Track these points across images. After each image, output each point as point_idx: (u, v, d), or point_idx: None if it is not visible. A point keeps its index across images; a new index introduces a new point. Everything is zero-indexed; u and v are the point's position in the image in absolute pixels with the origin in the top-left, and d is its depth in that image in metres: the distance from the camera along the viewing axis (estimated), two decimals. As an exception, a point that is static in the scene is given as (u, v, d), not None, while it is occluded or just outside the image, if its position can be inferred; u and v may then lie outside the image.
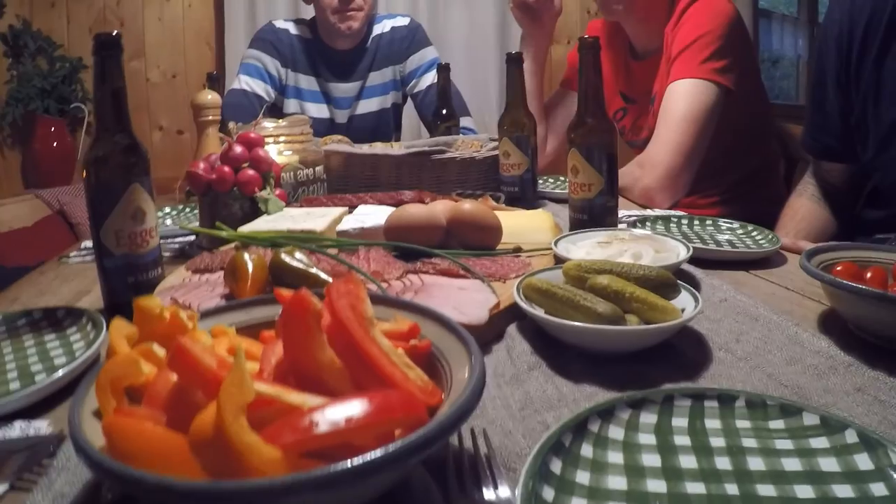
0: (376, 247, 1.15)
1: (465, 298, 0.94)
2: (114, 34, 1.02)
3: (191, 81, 4.09)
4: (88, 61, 3.85)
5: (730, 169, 2.04)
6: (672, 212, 1.67)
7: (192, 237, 1.61)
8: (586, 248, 1.15)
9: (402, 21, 2.70)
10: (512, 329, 0.95)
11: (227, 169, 1.39)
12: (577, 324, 0.81)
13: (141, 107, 4.07)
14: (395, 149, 1.93)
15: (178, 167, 4.16)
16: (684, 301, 0.89)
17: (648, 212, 1.69)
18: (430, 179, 1.83)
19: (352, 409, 0.48)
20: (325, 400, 0.51)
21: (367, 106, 2.68)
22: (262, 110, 2.26)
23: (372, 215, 1.31)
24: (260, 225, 1.31)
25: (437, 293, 0.96)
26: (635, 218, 1.49)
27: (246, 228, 1.29)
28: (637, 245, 1.11)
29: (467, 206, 1.20)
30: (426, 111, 2.63)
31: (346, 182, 1.84)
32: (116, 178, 1.04)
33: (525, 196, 1.73)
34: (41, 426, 0.77)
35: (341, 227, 1.25)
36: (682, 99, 1.82)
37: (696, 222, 1.47)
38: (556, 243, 1.17)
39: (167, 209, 1.88)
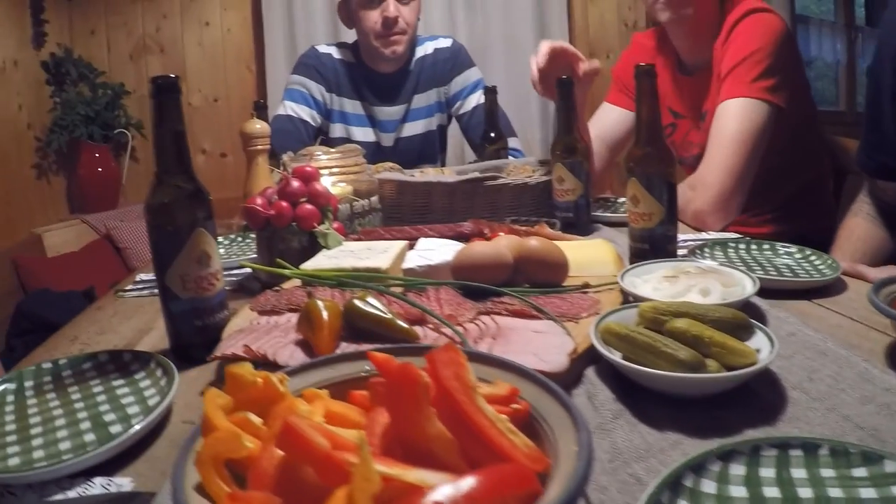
0: (445, 286, 1.13)
1: (542, 343, 0.92)
2: (172, 77, 1.02)
3: (232, 105, 4.12)
4: (130, 87, 3.96)
5: (781, 186, 2.00)
6: (727, 235, 1.65)
7: (246, 270, 1.60)
8: (653, 282, 1.13)
9: (445, 42, 2.68)
10: (589, 373, 0.93)
11: (285, 204, 1.38)
12: (661, 372, 0.80)
13: (184, 131, 4.09)
14: (447, 175, 1.91)
15: (222, 189, 4.16)
16: (759, 341, 0.88)
17: (704, 235, 1.67)
18: (483, 206, 1.80)
19: (470, 486, 0.47)
20: (442, 476, 0.49)
21: (413, 129, 2.66)
22: (315, 139, 2.26)
23: (436, 251, 1.29)
24: (322, 262, 1.29)
25: (515, 338, 0.94)
26: (693, 244, 1.47)
27: (309, 265, 1.28)
28: (704, 280, 1.08)
29: (533, 242, 1.18)
30: (472, 133, 2.61)
31: (399, 210, 1.82)
32: (181, 224, 1.03)
33: (579, 222, 1.69)
34: (123, 483, 0.76)
35: (407, 264, 1.23)
36: (733, 119, 1.78)
37: (754, 246, 1.44)
38: (622, 277, 1.15)
39: (218, 238, 1.87)
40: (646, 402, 0.83)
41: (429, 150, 2.72)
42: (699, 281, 1.08)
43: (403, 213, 1.83)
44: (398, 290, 1.16)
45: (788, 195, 2.05)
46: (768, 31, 1.83)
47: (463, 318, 1.02)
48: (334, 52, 2.60)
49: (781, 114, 1.79)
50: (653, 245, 1.32)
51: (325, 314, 0.92)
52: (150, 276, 1.60)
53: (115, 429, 0.85)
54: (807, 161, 2.05)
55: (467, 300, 1.09)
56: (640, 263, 1.23)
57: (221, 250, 1.75)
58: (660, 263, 1.22)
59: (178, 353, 1.09)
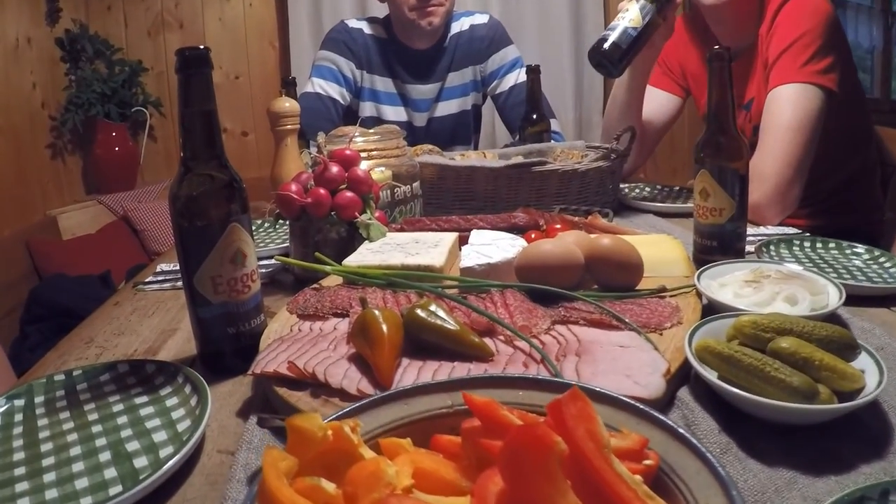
0: (510, 289, 1.00)
1: (632, 361, 0.80)
2: (200, 50, 0.88)
3: (254, 82, 3.99)
4: (148, 64, 3.82)
5: (828, 176, 1.88)
6: (788, 230, 1.57)
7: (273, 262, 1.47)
8: (733, 287, 1.04)
9: (482, 18, 2.53)
10: (683, 394, 0.82)
11: (323, 191, 1.24)
12: (776, 403, 0.71)
13: (204, 109, 3.97)
14: (490, 159, 1.77)
15: (244, 170, 3.99)
16: (863, 361, 0.80)
17: (763, 230, 1.58)
18: (529, 192, 1.67)
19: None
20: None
21: (447, 108, 2.51)
22: (344, 118, 2.12)
23: (493, 246, 1.15)
24: (366, 257, 1.16)
25: (600, 355, 0.82)
26: (756, 240, 1.39)
27: (352, 261, 1.15)
28: (789, 286, 1.00)
29: (606, 241, 1.05)
30: (509, 113, 2.47)
31: (439, 195, 1.69)
32: (212, 219, 0.90)
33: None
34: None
35: (464, 262, 1.09)
36: (787, 106, 1.68)
37: (819, 245, 1.37)
38: (698, 280, 1.06)
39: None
40: (749, 430, 0.74)
41: (462, 130, 2.57)
42: (784, 287, 1.00)
43: (444, 198, 1.69)
44: (454, 291, 1.03)
45: (835, 186, 1.95)
46: (815, 13, 1.73)
47: (538, 329, 0.90)
48: (365, 28, 2.45)
49: (832, 98, 1.69)
50: (721, 242, 1.25)
51: (384, 327, 0.78)
52: (171, 266, 1.48)
53: (139, 462, 0.73)
54: (855, 149, 1.96)
55: (537, 306, 0.97)
56: (714, 264, 1.14)
57: None
58: (735, 264, 1.14)
59: (207, 361, 0.97)
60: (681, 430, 0.53)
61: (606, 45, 1.62)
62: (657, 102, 2.11)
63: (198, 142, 0.90)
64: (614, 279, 1.05)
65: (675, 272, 1.14)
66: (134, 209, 3.53)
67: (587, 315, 0.93)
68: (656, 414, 0.56)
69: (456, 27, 2.49)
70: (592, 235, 1.13)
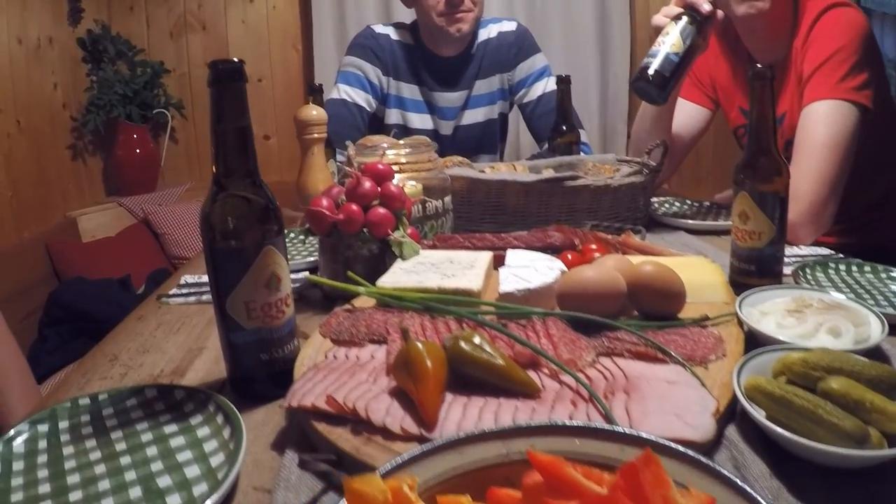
0: (552, 317, 0.96)
1: (680, 399, 0.78)
2: (235, 63, 0.85)
3: (277, 85, 3.95)
4: (170, 65, 3.80)
5: (860, 193, 1.84)
6: (821, 250, 1.54)
7: (305, 273, 1.44)
8: (776, 316, 1.01)
9: (510, 26, 2.48)
10: (730, 432, 0.79)
11: (355, 207, 1.21)
12: (830, 448, 0.69)
13: (225, 112, 3.94)
14: (521, 172, 1.74)
15: (266, 174, 3.95)
16: None
17: (796, 250, 1.54)
18: (560, 207, 1.64)
19: None
20: None
21: (473, 116, 2.48)
22: (370, 125, 2.09)
23: (531, 269, 1.11)
24: (400, 277, 1.13)
25: (648, 392, 0.79)
26: (794, 262, 1.38)
27: (386, 281, 1.11)
28: (832, 317, 0.97)
29: (648, 267, 1.02)
30: (537, 123, 2.43)
31: (468, 209, 1.66)
32: (247, 242, 0.86)
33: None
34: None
35: (504, 286, 1.05)
36: (822, 123, 1.63)
37: (854, 268, 1.35)
38: (740, 307, 1.03)
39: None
40: (796, 471, 0.72)
41: (488, 139, 2.53)
42: (827, 318, 0.97)
43: (473, 211, 1.66)
44: (492, 317, 1.00)
45: (867, 203, 1.91)
46: (851, 27, 1.69)
47: (583, 363, 0.86)
48: (392, 33, 2.41)
49: (867, 114, 1.65)
50: (760, 266, 1.23)
51: (428, 363, 0.75)
52: (196, 278, 1.45)
53: (172, 500, 0.70)
54: (888, 166, 1.91)
55: (580, 335, 0.94)
56: (754, 291, 1.11)
57: None
58: (775, 291, 1.12)
59: (238, 386, 0.94)
60: (746, 488, 0.52)
61: (650, 73, 1.57)
62: (686, 114, 2.06)
63: (231, 160, 0.87)
64: (656, 307, 1.02)
65: (715, 298, 1.11)
66: (154, 212, 3.51)
67: (632, 347, 0.90)
68: (720, 469, 0.54)
69: (483, 34, 2.45)
70: (634, 261, 1.09)
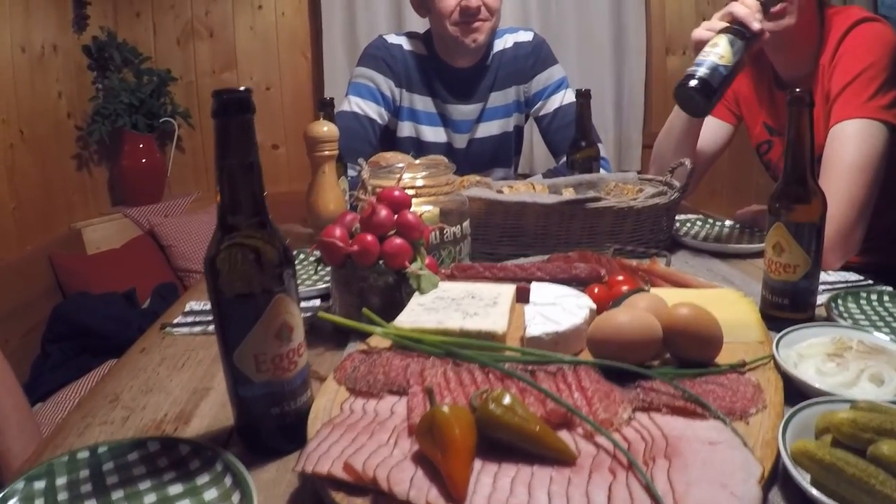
0: (584, 366, 0.89)
1: (724, 464, 0.72)
2: (241, 92, 0.77)
3: (286, 93, 3.89)
4: (177, 73, 3.74)
5: (884, 212, 1.76)
6: (850, 276, 1.47)
7: (316, 301, 1.38)
8: (815, 361, 0.97)
9: (526, 36, 2.41)
10: (774, 497, 0.75)
11: (370, 238, 1.15)
12: None
13: (233, 121, 3.87)
14: (541, 194, 1.68)
15: (275, 184, 4.00)
16: None
17: (825, 276, 1.46)
18: (581, 230, 1.58)
19: None
20: None
21: (488, 129, 2.41)
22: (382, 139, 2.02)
23: (558, 308, 1.05)
24: (420, 316, 1.06)
25: (691, 457, 0.73)
26: (825, 292, 1.30)
27: (404, 321, 1.05)
28: (874, 361, 0.93)
29: (684, 311, 0.95)
30: (553, 137, 2.36)
31: (486, 230, 1.59)
32: (256, 291, 0.79)
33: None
34: None
35: (531, 330, 0.99)
36: (851, 143, 1.58)
37: (886, 298, 1.29)
38: (777, 350, 0.98)
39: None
40: None
41: (503, 152, 2.47)
42: (868, 364, 0.93)
43: (491, 233, 1.60)
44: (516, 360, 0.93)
45: (889, 223, 1.84)
46: (880, 43, 1.64)
47: (619, 421, 0.80)
48: (404, 44, 2.34)
49: (895, 133, 1.60)
50: (793, 300, 1.17)
51: (456, 430, 0.68)
52: (202, 305, 1.39)
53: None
54: None
55: (614, 386, 0.87)
56: (789, 330, 1.06)
57: None
58: (812, 329, 1.07)
59: (247, 439, 0.87)
60: None
61: (696, 83, 1.50)
62: (709, 130, 2.00)
63: (238, 200, 0.80)
64: (693, 353, 0.95)
65: (750, 337, 1.05)
66: (160, 224, 3.45)
67: (670, 401, 0.84)
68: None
69: (499, 44, 2.38)
70: (666, 296, 1.03)
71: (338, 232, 1.16)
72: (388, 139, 2.37)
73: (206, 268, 0.80)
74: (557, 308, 1.04)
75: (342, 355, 1.10)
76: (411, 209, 1.22)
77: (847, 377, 0.92)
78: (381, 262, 1.15)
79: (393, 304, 1.15)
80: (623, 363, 0.90)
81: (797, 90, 1.11)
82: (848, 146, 1.57)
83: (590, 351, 0.95)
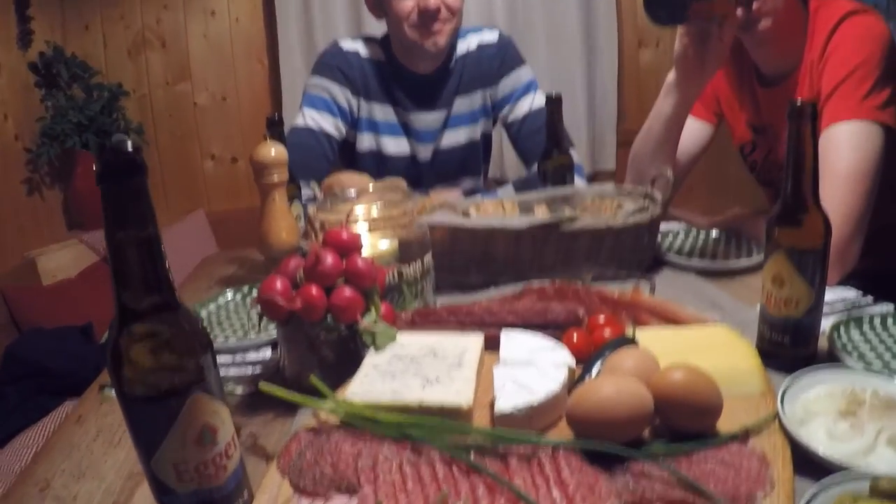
0: (564, 450, 0.77)
1: None
2: (128, 151, 0.64)
3: (243, 103, 3.73)
4: (129, 86, 3.57)
5: (877, 213, 1.65)
6: (847, 293, 1.35)
7: (266, 351, 1.25)
8: (825, 420, 0.86)
9: (491, 36, 2.26)
10: None
11: (315, 291, 1.01)
12: None
13: (190, 133, 3.72)
14: (510, 211, 1.55)
15: (232, 199, 3.91)
16: None
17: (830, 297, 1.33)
18: (555, 254, 1.45)
19: None
20: None
21: (454, 137, 2.26)
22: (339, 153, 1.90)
23: (532, 369, 0.92)
24: (374, 383, 0.93)
25: None
26: (825, 318, 1.15)
27: (357, 391, 0.92)
28: (891, 422, 0.84)
29: (678, 377, 0.82)
30: (524, 143, 2.22)
31: (452, 258, 1.46)
32: (166, 391, 0.66)
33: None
34: None
35: (501, 404, 0.86)
36: (846, 149, 1.47)
37: (891, 321, 1.19)
38: (783, 408, 0.87)
39: (228, 295, 1.52)
40: None
41: (471, 162, 2.33)
42: (885, 423, 0.84)
43: (457, 261, 1.47)
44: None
45: (880, 227, 1.70)
46: (872, 38, 1.53)
47: (609, 526, 0.67)
48: (361, 49, 2.19)
49: (891, 135, 1.50)
50: (794, 337, 1.06)
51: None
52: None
53: None
54: None
55: (598, 473, 0.76)
56: (794, 378, 0.95)
57: (229, 308, 1.43)
58: (818, 374, 0.96)
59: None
60: None
61: None
62: (689, 131, 1.85)
63: (136, 280, 0.66)
64: (688, 424, 0.84)
65: (750, 388, 0.94)
66: (115, 249, 3.30)
67: (664, 491, 0.72)
68: None
69: (462, 46, 2.23)
70: (659, 352, 0.92)
71: (279, 285, 1.03)
72: (347, 153, 2.23)
73: (108, 366, 0.67)
74: (531, 370, 0.92)
75: (292, 423, 1.00)
76: (364, 248, 1.09)
77: (863, 443, 0.82)
78: (329, 317, 1.02)
79: (348, 357, 1.04)
80: (609, 444, 0.77)
81: (799, 101, 0.98)
82: (842, 152, 1.47)
83: (570, 425, 0.82)
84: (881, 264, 1.68)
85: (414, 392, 0.89)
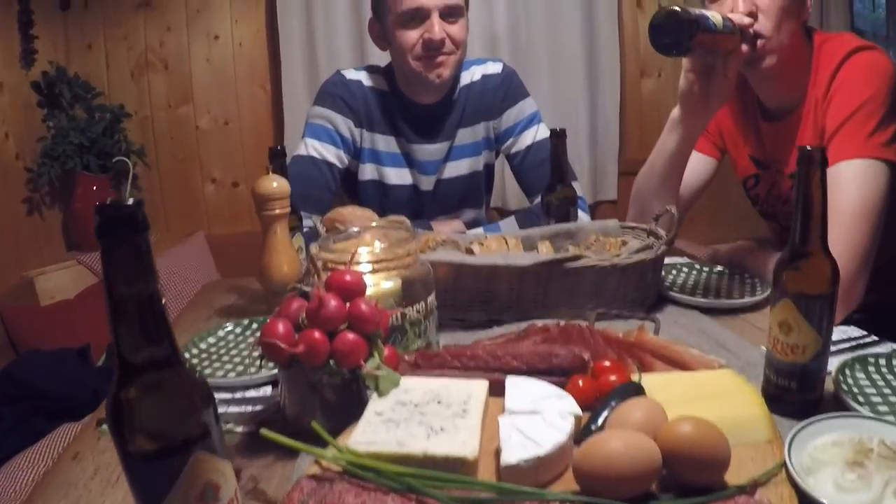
0: (570, 506, 0.76)
1: None
2: (130, 205, 0.62)
3: (245, 127, 3.73)
4: (131, 108, 3.57)
5: (882, 249, 1.65)
6: (851, 331, 1.35)
7: (267, 389, 1.24)
8: (832, 471, 0.85)
9: (494, 68, 2.26)
10: None
11: (318, 335, 1.00)
12: None
13: (192, 157, 3.73)
14: (513, 247, 1.55)
15: (233, 223, 3.90)
16: None
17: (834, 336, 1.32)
18: (559, 292, 1.45)
19: None
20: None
21: (457, 169, 2.26)
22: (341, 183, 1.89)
23: (538, 419, 0.91)
24: (377, 431, 0.92)
25: None
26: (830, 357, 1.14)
27: (359, 440, 0.90)
28: None
29: (687, 430, 0.81)
30: (526, 176, 2.22)
31: (455, 295, 1.45)
32: (168, 449, 0.65)
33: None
34: None
35: (507, 456, 0.85)
36: (852, 187, 1.48)
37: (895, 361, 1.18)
38: (790, 459, 0.86)
39: (228, 327, 1.51)
40: None
41: (473, 193, 2.32)
42: (893, 474, 0.83)
43: (460, 299, 1.46)
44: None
45: (886, 261, 1.70)
46: (878, 74, 1.54)
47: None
48: (364, 79, 2.18)
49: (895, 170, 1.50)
50: (801, 384, 1.04)
51: None
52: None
53: None
54: None
55: None
56: (800, 428, 0.93)
57: (228, 341, 1.42)
58: (825, 423, 0.95)
59: None
60: None
61: (681, 9, 1.39)
62: (691, 166, 1.85)
63: (137, 337, 0.65)
64: (695, 478, 0.82)
65: (756, 435, 0.93)
66: (115, 270, 3.29)
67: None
68: None
69: (466, 77, 2.23)
70: (666, 402, 0.91)
71: (281, 328, 1.01)
72: (349, 183, 2.23)
73: (108, 423, 0.66)
74: (537, 419, 0.91)
75: (293, 466, 0.99)
76: (367, 291, 1.08)
77: (870, 496, 0.81)
78: (331, 361, 1.01)
79: (351, 401, 1.03)
80: (616, 500, 0.76)
81: (808, 147, 0.98)
82: (848, 190, 1.47)
83: (576, 479, 0.81)
84: (886, 299, 1.67)
85: (419, 442, 0.88)
